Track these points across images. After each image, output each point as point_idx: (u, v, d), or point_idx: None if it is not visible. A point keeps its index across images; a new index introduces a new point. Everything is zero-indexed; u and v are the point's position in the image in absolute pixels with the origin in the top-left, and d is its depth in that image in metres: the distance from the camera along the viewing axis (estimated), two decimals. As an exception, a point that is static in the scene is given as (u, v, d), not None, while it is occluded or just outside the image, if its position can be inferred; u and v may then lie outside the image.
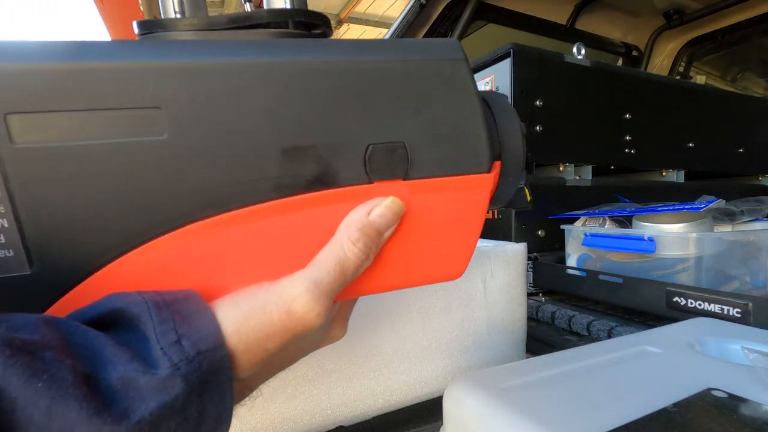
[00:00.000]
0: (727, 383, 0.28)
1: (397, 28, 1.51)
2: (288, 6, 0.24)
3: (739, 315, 0.49)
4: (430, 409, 0.42)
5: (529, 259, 0.78)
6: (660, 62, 1.97)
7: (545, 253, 0.80)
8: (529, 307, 0.73)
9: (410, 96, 0.22)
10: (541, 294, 0.79)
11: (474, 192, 0.24)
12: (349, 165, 0.22)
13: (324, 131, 0.21)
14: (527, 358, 0.67)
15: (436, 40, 0.24)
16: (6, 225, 0.18)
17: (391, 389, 0.41)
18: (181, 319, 0.19)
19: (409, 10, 1.49)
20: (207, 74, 0.20)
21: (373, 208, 0.22)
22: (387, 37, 1.52)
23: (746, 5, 1.61)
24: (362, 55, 0.22)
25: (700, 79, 1.96)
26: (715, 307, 0.51)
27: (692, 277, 0.60)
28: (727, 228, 0.69)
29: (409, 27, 1.50)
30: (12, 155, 0.18)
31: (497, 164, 0.25)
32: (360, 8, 4.22)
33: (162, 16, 0.25)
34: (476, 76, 0.88)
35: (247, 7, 0.26)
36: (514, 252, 0.48)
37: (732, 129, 1.11)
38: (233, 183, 0.20)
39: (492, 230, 0.82)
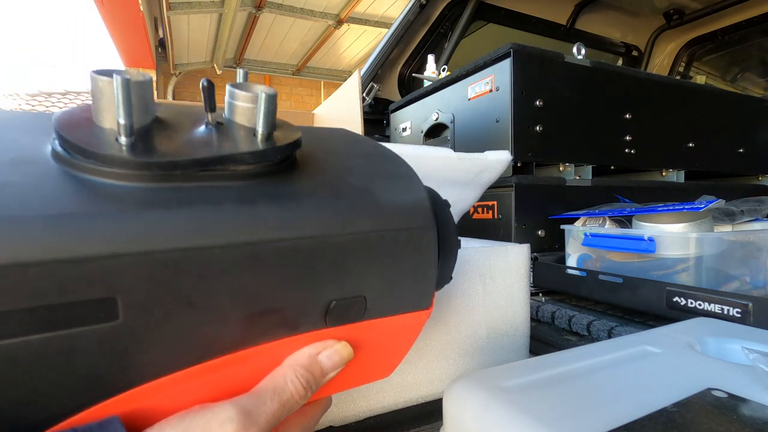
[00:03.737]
0: (727, 383, 0.28)
1: (397, 28, 1.51)
2: (260, 142, 0.21)
3: (739, 315, 0.49)
4: (430, 410, 0.42)
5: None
6: (660, 62, 1.97)
7: (545, 253, 0.80)
8: (529, 307, 0.73)
9: (378, 259, 0.22)
10: (541, 294, 0.79)
11: (415, 321, 0.26)
12: (311, 318, 0.22)
13: (292, 296, 0.20)
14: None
15: (401, 193, 0.24)
16: None
17: (383, 391, 0.40)
18: None
19: (409, 10, 1.49)
20: (172, 261, 0.17)
21: (323, 350, 0.22)
22: (386, 37, 1.52)
23: (746, 5, 1.61)
24: (337, 227, 0.21)
25: (700, 79, 1.96)
26: (715, 307, 0.51)
27: (692, 277, 0.60)
28: (727, 228, 0.69)
29: (409, 27, 1.50)
30: None
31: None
32: (360, 8, 4.21)
33: (96, 120, 0.20)
34: (476, 76, 0.88)
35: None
36: (516, 253, 0.47)
37: (732, 129, 1.11)
38: (195, 348, 0.19)
39: (492, 230, 0.82)
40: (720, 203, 0.64)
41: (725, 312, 0.50)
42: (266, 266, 0.19)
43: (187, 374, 0.19)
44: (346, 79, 1.29)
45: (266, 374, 0.22)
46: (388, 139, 1.37)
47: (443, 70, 1.36)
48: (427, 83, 1.24)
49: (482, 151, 0.89)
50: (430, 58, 1.42)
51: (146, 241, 0.17)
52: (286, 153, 0.22)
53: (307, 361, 0.22)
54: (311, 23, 4.48)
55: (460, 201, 0.55)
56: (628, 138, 0.94)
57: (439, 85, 1.02)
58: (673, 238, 0.61)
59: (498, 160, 0.53)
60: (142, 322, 0.17)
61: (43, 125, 0.21)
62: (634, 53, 1.96)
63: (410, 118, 1.17)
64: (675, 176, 1.04)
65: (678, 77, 1.96)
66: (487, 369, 0.31)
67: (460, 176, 0.53)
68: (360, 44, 5.05)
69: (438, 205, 0.26)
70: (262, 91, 0.21)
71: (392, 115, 1.27)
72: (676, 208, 0.63)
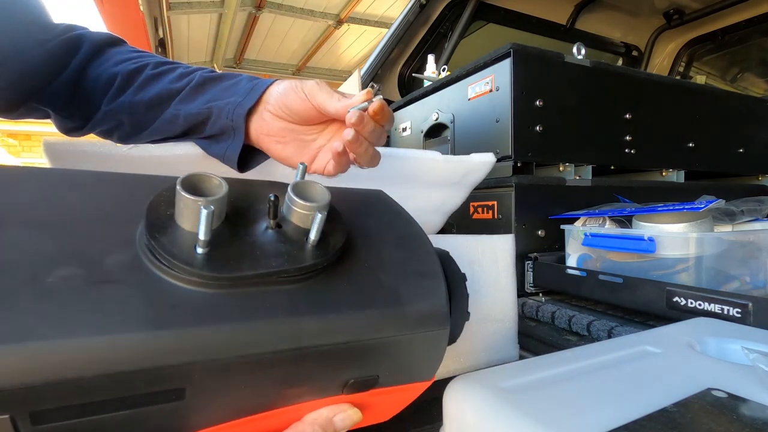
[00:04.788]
0: (727, 383, 0.28)
1: (397, 28, 1.51)
2: (311, 243, 0.26)
3: (739, 315, 0.49)
4: (430, 409, 0.42)
5: (528, 259, 0.78)
6: (660, 62, 1.97)
7: (545, 253, 0.80)
8: (529, 307, 0.73)
9: (396, 351, 0.27)
10: (541, 294, 0.79)
11: (417, 388, 0.30)
12: (331, 389, 0.26)
13: (320, 379, 0.25)
14: (524, 355, 0.67)
15: (423, 300, 0.28)
16: None
17: None
18: None
19: (409, 10, 1.49)
20: (233, 363, 0.22)
21: (338, 413, 0.27)
22: (386, 37, 1.52)
23: (746, 5, 1.61)
24: (366, 334, 0.25)
25: (700, 79, 1.96)
26: (715, 307, 0.51)
27: (692, 277, 0.60)
28: (727, 228, 0.69)
29: (409, 27, 1.50)
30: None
31: None
32: (360, 8, 4.21)
33: (180, 226, 0.24)
34: (476, 76, 0.88)
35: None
36: (501, 243, 0.49)
37: (732, 129, 1.11)
38: (238, 410, 0.23)
39: (492, 230, 0.82)
40: (720, 203, 0.64)
41: (725, 312, 0.50)
42: (304, 362, 0.24)
43: (226, 427, 0.23)
44: (346, 79, 1.29)
45: (287, 426, 0.26)
46: (388, 138, 1.37)
47: (443, 70, 1.35)
48: (427, 83, 1.24)
49: (482, 151, 0.89)
50: (430, 58, 1.42)
51: (214, 352, 0.21)
52: (330, 260, 0.26)
53: (324, 421, 0.26)
54: (311, 23, 4.48)
55: (449, 200, 0.58)
56: (628, 138, 0.94)
57: (439, 85, 1.02)
58: (673, 238, 0.61)
59: (483, 161, 0.55)
60: (203, 400, 0.22)
61: (135, 194, 0.25)
62: (634, 53, 1.95)
63: (410, 118, 1.17)
64: (675, 176, 1.03)
65: (678, 77, 1.96)
66: (487, 369, 0.31)
67: (448, 178, 0.56)
68: (360, 44, 5.04)
69: (454, 279, 0.30)
70: (316, 206, 0.26)
71: (392, 115, 1.27)
72: (676, 208, 0.63)
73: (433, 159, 0.53)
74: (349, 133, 0.37)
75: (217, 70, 0.46)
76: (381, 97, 0.37)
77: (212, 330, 0.21)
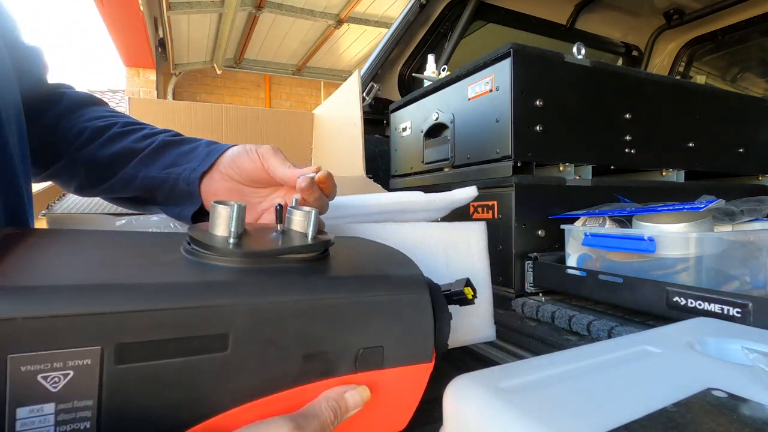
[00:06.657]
0: (727, 383, 0.28)
1: (397, 28, 1.51)
2: (310, 238, 0.34)
3: (739, 315, 0.49)
4: (430, 409, 0.42)
5: (528, 258, 0.78)
6: (660, 62, 1.98)
7: (545, 253, 0.80)
8: (529, 307, 0.73)
9: (391, 316, 0.32)
10: (541, 294, 0.79)
11: (420, 373, 0.34)
12: (346, 362, 0.30)
13: (334, 342, 0.30)
14: (524, 355, 0.68)
15: (403, 271, 0.35)
16: (88, 426, 0.23)
17: None
18: None
19: (409, 10, 1.49)
20: (266, 310, 0.27)
21: (349, 390, 0.30)
22: (386, 37, 1.52)
23: (746, 5, 1.61)
24: (362, 292, 0.31)
25: (700, 79, 1.96)
26: (715, 307, 0.51)
27: (692, 277, 0.60)
28: (727, 228, 0.69)
29: (409, 27, 1.50)
30: (114, 374, 0.23)
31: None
32: (360, 8, 4.21)
33: (213, 232, 0.32)
34: (476, 75, 0.88)
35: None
36: (474, 229, 0.53)
37: (732, 129, 1.11)
38: (268, 380, 0.28)
39: (492, 230, 0.82)
40: (720, 203, 0.64)
41: (725, 312, 0.50)
42: (317, 316, 0.29)
43: (257, 404, 0.27)
44: (346, 79, 1.29)
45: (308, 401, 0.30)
46: (388, 139, 1.37)
47: (443, 70, 1.36)
48: (427, 83, 1.24)
49: (482, 151, 0.90)
50: (430, 58, 1.42)
51: (248, 296, 0.27)
52: (327, 246, 0.34)
53: (336, 395, 0.30)
54: (311, 23, 4.48)
55: (430, 217, 0.60)
56: (628, 138, 0.94)
57: (439, 85, 1.03)
58: (673, 238, 0.61)
59: (465, 197, 0.59)
60: (241, 354, 0.26)
61: (166, 242, 0.34)
62: (634, 53, 1.96)
63: (410, 118, 1.17)
64: (675, 176, 1.03)
65: (678, 77, 1.96)
66: (487, 369, 0.31)
67: (430, 209, 0.60)
68: (360, 44, 5.05)
69: (431, 287, 0.35)
70: (311, 210, 0.34)
71: (392, 115, 1.27)
72: (676, 208, 0.63)
73: (415, 201, 0.57)
74: (297, 197, 0.39)
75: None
76: (326, 170, 0.41)
77: (245, 281, 0.28)
